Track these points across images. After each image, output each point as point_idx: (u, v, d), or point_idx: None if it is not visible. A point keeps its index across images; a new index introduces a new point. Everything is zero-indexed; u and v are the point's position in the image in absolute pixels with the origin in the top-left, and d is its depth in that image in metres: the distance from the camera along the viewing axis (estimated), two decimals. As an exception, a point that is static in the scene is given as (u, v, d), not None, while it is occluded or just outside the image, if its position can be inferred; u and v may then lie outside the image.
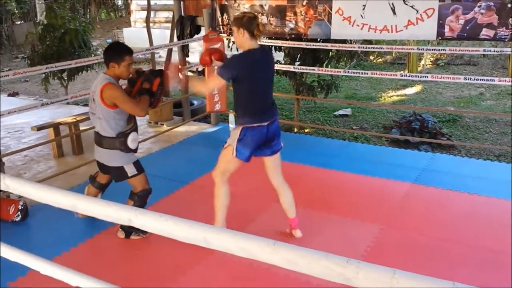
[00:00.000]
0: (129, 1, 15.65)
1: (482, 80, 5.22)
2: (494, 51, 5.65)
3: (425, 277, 1.07)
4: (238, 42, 3.26)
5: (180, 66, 3.40)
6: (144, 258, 3.37)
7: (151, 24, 8.62)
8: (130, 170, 3.48)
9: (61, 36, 7.50)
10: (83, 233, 3.67)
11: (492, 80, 5.17)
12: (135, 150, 3.52)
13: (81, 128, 5.68)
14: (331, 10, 5.20)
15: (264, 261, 1.28)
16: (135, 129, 3.50)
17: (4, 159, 4.72)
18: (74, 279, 1.79)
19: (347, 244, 3.48)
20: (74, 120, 5.55)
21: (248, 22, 3.14)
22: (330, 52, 6.46)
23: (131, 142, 3.43)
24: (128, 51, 3.35)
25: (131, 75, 3.47)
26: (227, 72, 3.18)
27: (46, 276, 1.83)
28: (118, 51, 3.34)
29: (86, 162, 5.08)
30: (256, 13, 3.34)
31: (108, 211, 1.51)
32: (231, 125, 6.32)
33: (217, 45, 3.32)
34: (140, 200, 3.54)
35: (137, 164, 3.55)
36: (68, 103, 7.82)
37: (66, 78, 7.81)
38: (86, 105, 8.34)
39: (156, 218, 1.43)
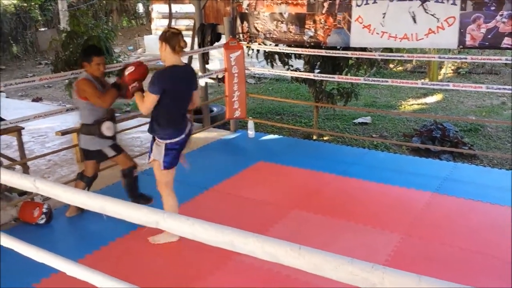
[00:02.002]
0: (150, 9, 15.87)
1: (504, 89, 5.16)
2: (516, 60, 5.59)
3: (450, 283, 1.07)
4: (161, 56, 3.39)
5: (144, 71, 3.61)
6: (165, 262, 3.41)
7: (172, 32, 8.72)
8: (109, 152, 4.05)
9: (84, 43, 7.63)
10: (105, 237, 3.73)
11: (514, 89, 5.10)
12: (112, 137, 4.02)
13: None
14: (351, 18, 5.22)
15: (289, 265, 1.29)
16: (110, 118, 3.99)
17: (28, 163, 4.82)
18: (99, 281, 1.82)
19: (367, 252, 3.46)
20: (97, 126, 5.63)
21: (170, 37, 3.30)
22: (350, 60, 6.46)
23: (105, 129, 3.94)
24: (95, 52, 3.92)
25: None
26: (154, 88, 3.28)
27: (69, 278, 1.87)
28: (87, 53, 3.94)
29: (108, 166, 5.15)
30: (178, 30, 3.49)
31: (136, 214, 1.55)
32: (250, 132, 6.36)
33: (131, 68, 3.51)
34: (129, 175, 4.17)
35: (115, 146, 4.08)
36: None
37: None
38: (107, 111, 8.47)
39: (183, 221, 1.46)
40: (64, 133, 5.50)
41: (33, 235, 3.79)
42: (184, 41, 3.34)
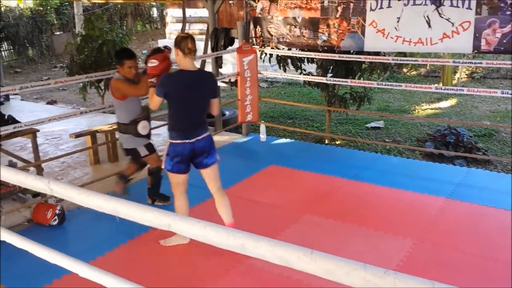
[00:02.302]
0: (164, 14, 15.99)
1: (519, 94, 5.09)
2: (532, 65, 5.52)
3: (465, 290, 1.06)
4: (177, 62, 3.45)
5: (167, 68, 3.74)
6: (176, 265, 3.42)
7: (185, 36, 8.78)
8: (143, 151, 4.20)
9: (99, 47, 7.73)
10: (117, 239, 3.75)
11: (530, 94, 5.03)
12: (146, 136, 4.19)
13: (117, 136, 5.81)
14: (365, 23, 5.20)
15: (301, 270, 1.28)
16: (146, 118, 4.17)
17: (42, 165, 4.88)
18: (110, 282, 1.83)
19: (379, 257, 3.43)
20: (110, 128, 5.69)
21: (179, 41, 3.34)
22: (363, 64, 6.43)
23: (141, 128, 4.11)
24: (127, 56, 4.06)
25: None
26: (158, 90, 3.37)
27: (81, 279, 1.88)
28: (119, 56, 4.12)
29: (121, 170, 5.19)
30: (188, 34, 3.51)
31: (149, 216, 1.55)
32: (262, 136, 6.36)
33: (154, 62, 3.60)
34: (156, 175, 4.34)
35: (149, 146, 4.24)
36: (104, 112, 8.03)
37: (103, 88, 8.02)
38: (121, 114, 8.54)
39: (195, 224, 1.46)
40: (78, 135, 5.58)
41: (46, 236, 3.84)
42: (193, 43, 3.34)
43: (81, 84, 7.92)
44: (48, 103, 10.11)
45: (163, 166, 3.54)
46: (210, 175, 3.60)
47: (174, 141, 3.41)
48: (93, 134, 5.62)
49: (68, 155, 5.37)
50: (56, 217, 4.04)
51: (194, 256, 3.47)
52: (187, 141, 3.39)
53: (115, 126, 5.76)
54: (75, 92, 10.66)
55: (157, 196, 4.44)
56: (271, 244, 1.34)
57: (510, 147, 6.50)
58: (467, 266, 3.33)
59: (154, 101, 3.40)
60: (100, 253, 3.55)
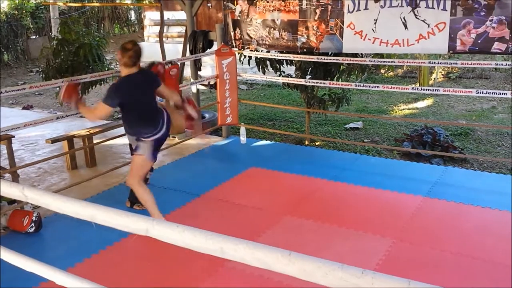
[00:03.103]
0: (142, 16, 15.87)
1: (494, 93, 5.21)
2: (506, 64, 5.65)
3: (439, 287, 1.07)
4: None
5: (73, 89, 3.97)
6: (156, 271, 3.39)
7: (164, 39, 8.74)
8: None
9: (75, 51, 7.61)
10: (96, 245, 3.70)
11: (504, 93, 5.15)
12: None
13: (95, 141, 5.75)
14: (343, 25, 5.25)
15: (279, 271, 1.29)
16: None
17: (18, 171, 4.79)
18: (89, 289, 1.81)
19: (359, 257, 3.46)
20: (88, 133, 5.62)
21: (123, 50, 3.64)
22: (341, 66, 6.49)
23: None
24: None
25: None
26: (110, 100, 3.61)
27: (59, 287, 1.85)
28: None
29: (99, 174, 5.13)
30: (135, 42, 3.80)
31: (126, 221, 1.54)
32: (242, 138, 6.35)
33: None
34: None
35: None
36: (81, 116, 7.91)
37: (80, 92, 7.90)
38: (99, 118, 8.43)
39: (173, 228, 1.45)
40: (54, 141, 5.49)
41: (22, 244, 3.76)
42: (129, 58, 3.60)
43: (58, 88, 7.79)
44: (24, 108, 9.92)
45: (149, 159, 3.85)
46: None
47: (147, 137, 3.83)
48: (70, 139, 5.55)
49: (44, 161, 5.27)
50: (32, 224, 3.96)
51: (175, 261, 3.44)
52: (158, 135, 3.85)
53: (92, 131, 5.71)
54: (52, 97, 10.49)
55: (137, 200, 4.32)
56: (250, 246, 1.34)
57: (485, 146, 6.64)
58: (445, 264, 3.38)
59: (100, 112, 3.73)
60: (79, 260, 3.50)
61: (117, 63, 10.14)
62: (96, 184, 4.97)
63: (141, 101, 3.74)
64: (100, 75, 5.24)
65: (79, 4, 12.35)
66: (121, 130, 5.96)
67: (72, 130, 6.54)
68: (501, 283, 3.13)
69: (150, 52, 14.59)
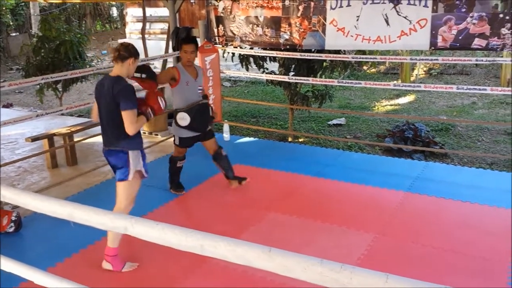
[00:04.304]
0: (124, 13, 15.71)
1: (474, 89, 5.28)
2: (486, 60, 5.73)
3: (417, 281, 1.09)
4: None
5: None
6: (138, 269, 3.36)
7: (146, 36, 8.66)
8: (176, 140, 4.45)
9: (56, 48, 7.52)
10: (76, 244, 3.66)
11: (484, 89, 5.23)
12: (188, 128, 4.29)
13: (75, 139, 5.68)
14: (326, 21, 5.26)
15: (260, 268, 1.29)
16: (188, 111, 4.23)
17: (-2, 170, 4.71)
18: (69, 289, 1.79)
19: (341, 252, 3.49)
20: (68, 131, 5.55)
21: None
22: (324, 63, 6.51)
23: (179, 119, 4.24)
24: (184, 40, 4.27)
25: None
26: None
27: (40, 287, 1.83)
28: (179, 41, 4.35)
29: (80, 173, 5.08)
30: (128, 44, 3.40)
31: (104, 220, 1.53)
32: (226, 135, 6.34)
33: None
34: (171, 164, 4.60)
35: (184, 140, 4.40)
36: (62, 114, 7.84)
37: (60, 89, 7.82)
38: (80, 116, 8.35)
39: (153, 226, 1.44)
40: (34, 139, 5.41)
41: (1, 244, 3.69)
42: (115, 51, 3.26)
43: (38, 86, 7.69)
44: (4, 106, 9.75)
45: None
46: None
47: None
48: (50, 137, 5.47)
49: (24, 160, 5.19)
50: (12, 223, 3.90)
51: (157, 258, 3.42)
52: (104, 147, 3.37)
53: (73, 129, 5.64)
54: (32, 95, 10.34)
55: (172, 184, 4.66)
56: (230, 243, 1.33)
57: (466, 141, 6.73)
58: (426, 258, 3.42)
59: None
60: (59, 260, 3.46)
61: (99, 60, 10.04)
62: (77, 183, 4.91)
63: (101, 110, 3.41)
64: (81, 72, 5.17)
65: (60, 1, 12.15)
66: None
67: (52, 128, 6.46)
68: (481, 276, 3.18)
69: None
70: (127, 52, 3.20)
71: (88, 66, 7.68)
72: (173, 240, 1.41)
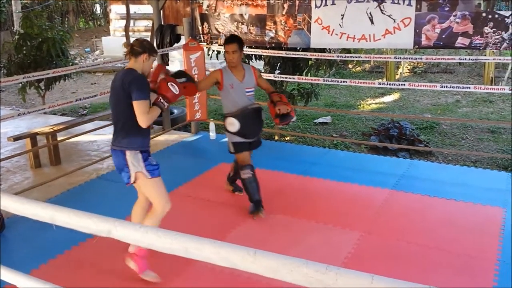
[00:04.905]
0: (108, 10, 15.55)
1: (458, 87, 5.34)
2: (469, 59, 5.79)
3: (401, 281, 1.09)
4: None
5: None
6: (123, 271, 3.32)
7: (130, 33, 8.58)
8: (230, 147, 4.15)
9: (38, 45, 7.41)
10: (60, 245, 3.60)
11: (468, 87, 5.29)
12: (238, 133, 4.01)
13: (59, 138, 5.60)
14: (311, 20, 5.26)
15: (245, 270, 1.28)
16: (237, 116, 3.97)
17: (-21, 171, 4.62)
18: (52, 292, 1.76)
19: (328, 251, 3.49)
20: (52, 130, 5.47)
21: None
22: (310, 61, 6.52)
23: (228, 124, 4.01)
24: (226, 40, 4.03)
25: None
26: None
27: (23, 290, 1.79)
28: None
29: (64, 173, 5.01)
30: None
31: (87, 222, 1.50)
32: (212, 134, 6.31)
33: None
34: (237, 165, 4.27)
35: (238, 145, 4.09)
36: (45, 113, 7.73)
37: (43, 88, 7.71)
38: (63, 114, 8.24)
39: (136, 229, 1.43)
40: (16, 138, 5.33)
41: (-16, 246, 3.63)
42: (127, 46, 3.08)
43: (20, 84, 7.57)
44: (-15, 105, 9.58)
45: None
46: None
47: None
48: (33, 136, 5.39)
49: (6, 159, 5.10)
50: (-6, 225, 3.83)
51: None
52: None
53: (56, 128, 5.56)
54: (14, 93, 10.16)
55: (251, 202, 4.16)
56: (215, 246, 1.32)
57: (450, 139, 6.80)
58: (412, 255, 3.45)
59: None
60: (43, 261, 3.40)
61: (82, 58, 9.93)
62: (61, 183, 4.85)
63: (111, 107, 3.27)
64: (63, 70, 5.09)
65: (42, -3, 12.02)
66: (86, 126, 5.86)
67: (35, 127, 6.36)
68: (466, 273, 3.21)
69: (116, 46, 14.35)
70: (141, 47, 3.03)
71: (71, 64, 7.58)
72: (157, 243, 1.39)
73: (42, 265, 3.36)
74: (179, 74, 3.70)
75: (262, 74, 6.48)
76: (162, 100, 3.09)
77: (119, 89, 2.98)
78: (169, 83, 3.13)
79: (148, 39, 7.98)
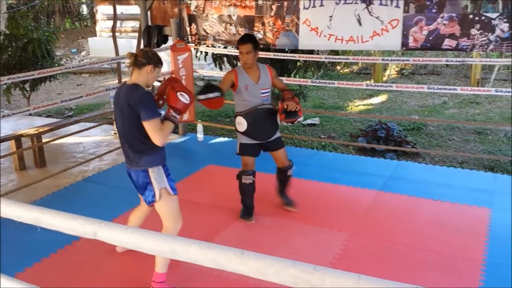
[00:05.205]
0: (94, 11, 15.43)
1: (445, 89, 5.37)
2: (456, 61, 5.84)
3: (388, 281, 1.09)
4: None
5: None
6: (110, 274, 3.29)
7: (117, 34, 8.51)
8: (237, 147, 4.04)
9: (24, 46, 7.34)
10: (46, 248, 3.55)
11: (454, 89, 5.33)
12: (244, 133, 3.93)
13: (44, 140, 5.53)
14: (299, 21, 5.27)
15: (232, 271, 1.27)
16: (245, 115, 3.88)
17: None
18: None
19: (316, 252, 3.49)
20: (37, 132, 5.40)
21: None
22: (298, 62, 6.53)
23: (236, 123, 3.95)
24: (240, 40, 3.84)
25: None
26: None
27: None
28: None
29: (49, 175, 4.95)
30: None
31: (72, 224, 1.48)
32: (200, 135, 6.29)
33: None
34: (238, 179, 4.07)
35: (243, 147, 4.00)
36: (30, 114, 7.64)
37: (28, 89, 7.62)
38: (49, 116, 8.15)
39: (122, 230, 1.40)
40: (1, 140, 5.26)
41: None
42: (131, 57, 2.92)
43: (5, 85, 7.47)
44: (-31, 106, 9.44)
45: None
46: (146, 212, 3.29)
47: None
48: (17, 138, 5.32)
49: (-9, 162, 5.04)
50: (-22, 228, 3.75)
51: (129, 262, 3.36)
52: (126, 165, 3.04)
53: (41, 130, 5.49)
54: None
55: (243, 206, 4.13)
56: (202, 247, 1.31)
57: (437, 140, 6.86)
58: (399, 256, 3.46)
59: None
60: (28, 264, 3.35)
61: (68, 59, 9.84)
62: (46, 185, 4.79)
63: (117, 122, 3.13)
64: (49, 71, 5.03)
65: (28, -2, 11.90)
66: (72, 128, 5.80)
67: (20, 129, 6.28)
68: (453, 274, 3.23)
69: (102, 47, 14.25)
70: (146, 58, 2.85)
71: (57, 65, 7.51)
72: (143, 245, 1.37)
73: (27, 268, 3.31)
74: (210, 87, 3.58)
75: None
76: (173, 114, 2.91)
77: (126, 109, 2.83)
78: (178, 93, 2.92)
79: (135, 39, 7.94)
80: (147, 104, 2.79)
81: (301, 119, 3.96)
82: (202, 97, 3.51)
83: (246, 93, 3.87)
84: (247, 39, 3.82)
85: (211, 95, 3.55)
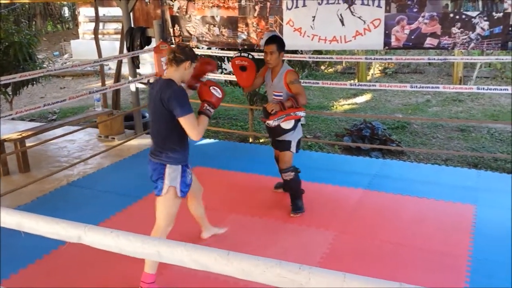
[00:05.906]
0: (76, 13, 15.28)
1: (428, 87, 5.43)
2: (438, 59, 5.91)
3: (373, 279, 1.10)
4: None
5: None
6: (97, 277, 3.26)
7: (100, 36, 8.45)
8: (294, 145, 4.23)
9: (5, 50, 7.23)
10: (32, 254, 3.51)
11: (437, 87, 5.39)
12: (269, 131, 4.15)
13: (27, 144, 5.46)
14: (282, 22, 5.29)
15: (218, 272, 1.27)
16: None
17: None
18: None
19: (303, 252, 3.50)
20: (20, 137, 5.33)
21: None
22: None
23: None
24: (266, 41, 4.03)
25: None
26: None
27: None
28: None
29: (33, 180, 4.88)
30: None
31: (56, 229, 1.46)
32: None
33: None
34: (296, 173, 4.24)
35: (276, 143, 4.19)
36: (13, 119, 7.52)
37: (10, 93, 7.52)
38: (32, 120, 8.05)
39: (107, 234, 1.39)
40: (-16, 144, 5.17)
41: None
42: (170, 53, 2.93)
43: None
44: (-50, 111, 9.28)
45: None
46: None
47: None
48: (0, 143, 5.24)
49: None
50: (-40, 235, 3.69)
51: (116, 265, 3.33)
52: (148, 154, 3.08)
53: (24, 134, 5.42)
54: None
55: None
56: (187, 249, 1.30)
57: (421, 138, 6.93)
58: (385, 254, 3.48)
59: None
60: (14, 271, 3.30)
61: (50, 61, 9.72)
62: (31, 191, 4.72)
63: (150, 118, 3.18)
64: (31, 74, 4.96)
65: (8, 1, 11.72)
66: (56, 132, 5.73)
67: (2, 133, 6.17)
68: (440, 270, 3.26)
69: (85, 50, 14.12)
70: (184, 54, 2.88)
71: (39, 68, 7.41)
72: (128, 248, 1.36)
73: (13, 275, 3.26)
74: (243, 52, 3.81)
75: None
76: (207, 107, 2.99)
77: (158, 103, 2.85)
78: (211, 87, 3.00)
79: (118, 41, 7.88)
80: (180, 101, 2.82)
81: (273, 123, 3.96)
82: (244, 54, 3.94)
83: (267, 89, 4.18)
84: (272, 40, 3.98)
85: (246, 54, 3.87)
